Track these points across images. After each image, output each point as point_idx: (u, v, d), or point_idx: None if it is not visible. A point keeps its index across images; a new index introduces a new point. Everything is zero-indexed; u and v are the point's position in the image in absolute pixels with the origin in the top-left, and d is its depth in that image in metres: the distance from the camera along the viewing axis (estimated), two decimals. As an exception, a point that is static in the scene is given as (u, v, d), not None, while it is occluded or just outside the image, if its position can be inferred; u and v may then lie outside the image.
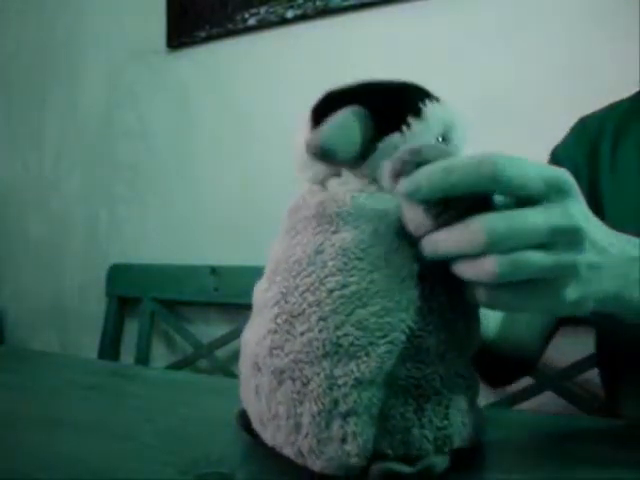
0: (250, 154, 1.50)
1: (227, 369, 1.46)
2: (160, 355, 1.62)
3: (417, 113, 0.41)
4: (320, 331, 0.38)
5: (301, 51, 1.43)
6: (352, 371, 0.37)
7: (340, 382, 0.37)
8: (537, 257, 0.35)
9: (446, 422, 0.40)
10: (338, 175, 0.43)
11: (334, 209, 0.40)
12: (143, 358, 1.56)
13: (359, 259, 0.38)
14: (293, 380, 0.39)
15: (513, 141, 1.14)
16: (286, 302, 0.40)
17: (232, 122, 1.53)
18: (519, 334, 0.73)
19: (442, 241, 0.37)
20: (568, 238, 0.37)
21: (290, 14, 1.41)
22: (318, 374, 0.38)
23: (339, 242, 0.39)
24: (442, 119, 0.42)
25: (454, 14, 1.25)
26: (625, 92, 0.79)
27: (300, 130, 0.44)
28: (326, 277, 0.38)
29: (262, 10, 1.45)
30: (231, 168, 1.53)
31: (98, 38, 1.74)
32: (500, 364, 0.74)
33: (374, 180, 0.42)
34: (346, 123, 0.40)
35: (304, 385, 0.38)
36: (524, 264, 0.35)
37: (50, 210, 1.83)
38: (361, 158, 0.41)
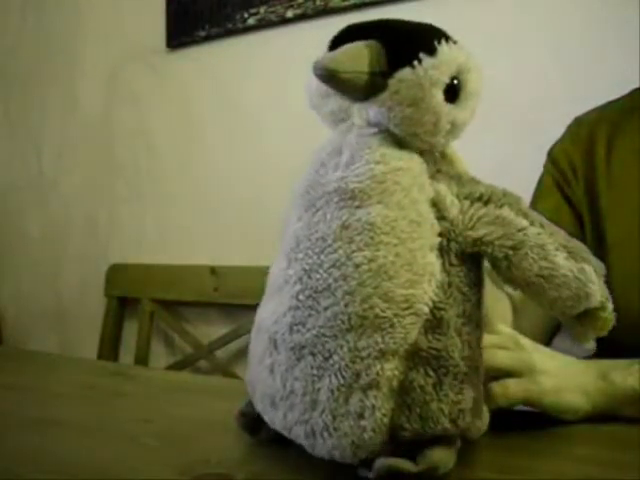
0: (250, 154, 1.50)
1: (227, 369, 1.46)
2: (160, 355, 1.62)
3: (431, 51, 0.40)
4: (346, 305, 0.39)
5: (301, 51, 1.43)
6: (376, 342, 0.38)
7: (363, 354, 0.38)
8: None
9: (460, 397, 0.40)
10: (346, 114, 0.43)
11: (355, 184, 0.40)
12: (142, 358, 1.55)
13: (385, 233, 0.39)
14: (314, 355, 0.39)
15: (512, 140, 1.14)
16: (309, 278, 0.40)
17: (232, 122, 1.53)
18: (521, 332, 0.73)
19: None
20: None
21: (290, 14, 1.41)
22: (341, 347, 0.39)
23: (364, 217, 0.39)
24: (456, 60, 0.42)
25: (454, 13, 1.25)
26: (625, 91, 0.80)
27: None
28: (353, 252, 0.39)
29: (262, 10, 1.45)
30: (231, 168, 1.53)
31: (98, 38, 1.74)
32: None
33: (381, 125, 0.41)
34: (356, 51, 0.40)
35: (325, 359, 0.39)
36: None
37: (50, 210, 1.83)
38: (371, 93, 0.40)
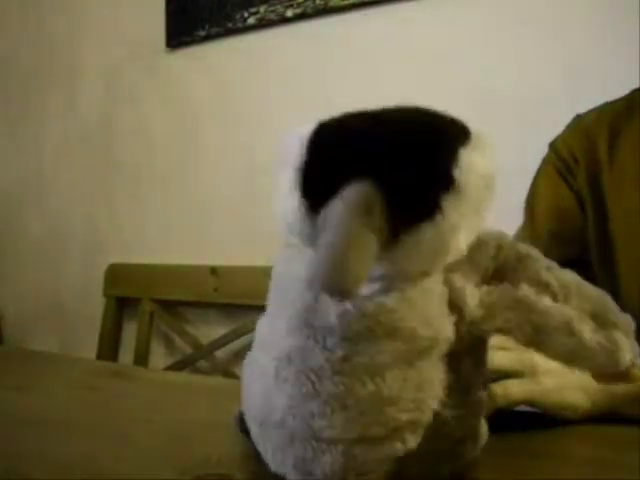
0: (250, 154, 1.50)
1: (227, 370, 1.46)
2: (159, 356, 1.62)
3: (451, 186, 0.31)
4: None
5: (301, 50, 1.43)
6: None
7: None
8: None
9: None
10: None
11: (362, 326, 0.34)
12: (142, 359, 1.55)
13: (390, 369, 0.35)
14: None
15: (513, 140, 1.14)
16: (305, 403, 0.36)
17: (232, 121, 1.53)
18: None
19: None
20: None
21: (290, 13, 1.41)
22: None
23: (370, 351, 0.35)
24: (481, 183, 0.33)
25: (455, 12, 1.25)
26: (625, 90, 0.80)
27: (281, 190, 0.37)
28: (354, 386, 0.35)
29: (262, 9, 1.45)
30: (231, 168, 1.53)
31: (98, 38, 1.74)
32: None
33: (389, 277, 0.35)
34: (360, 241, 0.29)
35: None
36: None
37: (49, 210, 1.83)
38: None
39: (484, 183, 0.33)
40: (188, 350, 1.54)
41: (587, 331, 0.37)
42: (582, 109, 0.82)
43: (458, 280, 0.36)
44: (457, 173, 0.32)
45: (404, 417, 0.35)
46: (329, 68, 1.37)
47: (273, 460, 0.38)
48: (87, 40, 1.76)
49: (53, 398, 0.68)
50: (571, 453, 0.48)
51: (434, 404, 0.36)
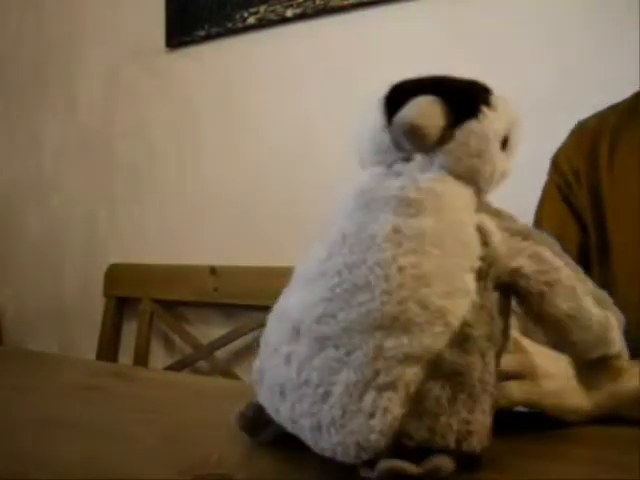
0: (250, 153, 1.50)
1: (227, 370, 1.46)
2: (159, 356, 1.61)
3: (491, 104, 0.43)
4: (382, 303, 0.39)
5: (301, 50, 1.43)
6: (402, 345, 0.39)
7: (388, 354, 0.39)
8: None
9: (471, 417, 0.40)
10: (407, 160, 0.44)
11: (415, 195, 0.42)
12: (142, 359, 1.55)
13: (433, 245, 0.41)
14: (337, 348, 0.40)
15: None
16: (350, 273, 0.41)
17: (232, 121, 1.53)
18: None
19: None
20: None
21: (290, 13, 1.41)
22: (367, 343, 0.39)
23: (417, 226, 0.41)
24: (510, 113, 0.45)
25: (454, 13, 1.25)
26: (626, 92, 0.80)
27: (367, 117, 0.46)
28: (399, 255, 0.40)
29: (261, 9, 1.45)
30: (231, 168, 1.53)
31: (97, 37, 1.74)
32: None
33: (444, 169, 0.43)
34: (430, 106, 0.42)
35: (348, 354, 0.39)
36: None
37: (50, 210, 1.83)
38: (439, 143, 0.43)
39: (512, 116, 0.44)
40: (188, 350, 1.54)
41: (589, 302, 0.43)
42: (584, 110, 0.82)
43: (486, 219, 0.43)
44: (492, 98, 0.43)
45: (438, 302, 0.39)
46: (329, 68, 1.37)
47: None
48: (87, 40, 1.76)
49: (53, 398, 0.68)
50: (571, 453, 0.48)
51: (463, 307, 0.40)
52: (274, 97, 1.45)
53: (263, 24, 1.46)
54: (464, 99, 0.43)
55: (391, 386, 0.38)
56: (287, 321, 0.44)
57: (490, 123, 0.43)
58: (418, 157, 0.44)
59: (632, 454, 0.46)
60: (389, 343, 0.39)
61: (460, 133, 0.42)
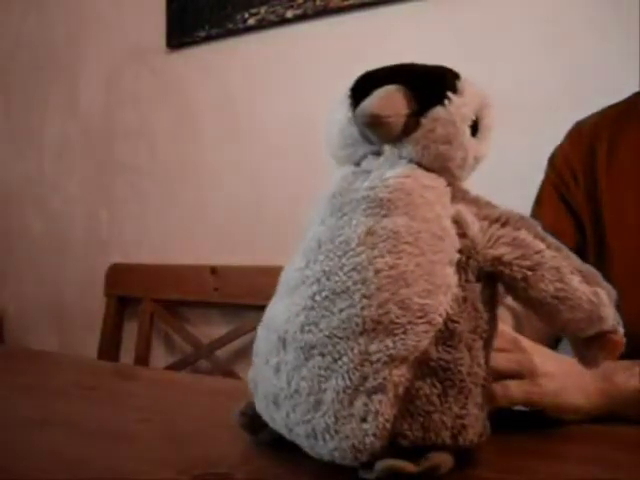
0: (250, 154, 1.50)
1: (227, 369, 1.46)
2: (160, 355, 1.62)
3: (457, 90, 0.42)
4: (362, 308, 0.39)
5: (301, 51, 1.43)
6: (387, 347, 0.39)
7: (374, 358, 0.39)
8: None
9: (464, 411, 0.40)
10: (377, 154, 0.44)
11: (385, 194, 0.42)
12: (143, 358, 1.55)
13: (408, 243, 0.40)
14: (323, 356, 0.40)
15: (514, 140, 1.14)
16: (328, 280, 0.41)
17: (232, 122, 1.53)
18: None
19: None
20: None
21: (290, 14, 1.41)
22: (352, 349, 0.39)
23: (390, 225, 0.41)
24: (478, 97, 0.44)
25: (455, 13, 1.25)
26: (626, 92, 0.80)
27: (336, 110, 0.46)
28: (375, 258, 0.40)
29: (262, 10, 1.45)
30: (231, 168, 1.53)
31: (98, 38, 1.74)
32: None
33: (413, 160, 0.43)
34: (392, 95, 0.41)
35: (334, 361, 0.39)
36: None
37: (50, 210, 1.83)
38: (405, 133, 0.42)
39: (480, 99, 0.44)
40: (188, 350, 1.55)
41: (575, 280, 0.42)
42: (583, 110, 0.82)
43: (463, 208, 0.42)
44: (458, 83, 0.43)
45: (419, 301, 0.39)
46: (329, 69, 1.37)
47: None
48: (88, 40, 1.76)
49: (53, 398, 0.68)
50: (571, 453, 0.48)
51: (445, 303, 0.40)
52: (274, 98, 1.45)
53: (263, 25, 1.46)
54: (429, 86, 0.43)
55: (380, 389, 0.38)
56: (273, 331, 0.44)
57: (457, 108, 0.42)
58: (387, 149, 0.43)
59: (631, 453, 0.46)
60: (374, 347, 0.39)
61: (426, 121, 0.41)
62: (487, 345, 0.43)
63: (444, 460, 0.40)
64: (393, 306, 0.39)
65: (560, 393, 0.52)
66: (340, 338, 0.39)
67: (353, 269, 0.40)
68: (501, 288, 0.44)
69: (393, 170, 0.42)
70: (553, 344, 0.76)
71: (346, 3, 1.34)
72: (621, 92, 0.80)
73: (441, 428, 0.39)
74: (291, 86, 1.43)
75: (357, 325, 0.39)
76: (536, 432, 0.52)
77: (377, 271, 0.40)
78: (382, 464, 0.38)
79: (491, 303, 0.43)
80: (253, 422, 0.47)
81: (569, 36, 1.15)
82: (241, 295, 1.40)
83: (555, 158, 0.81)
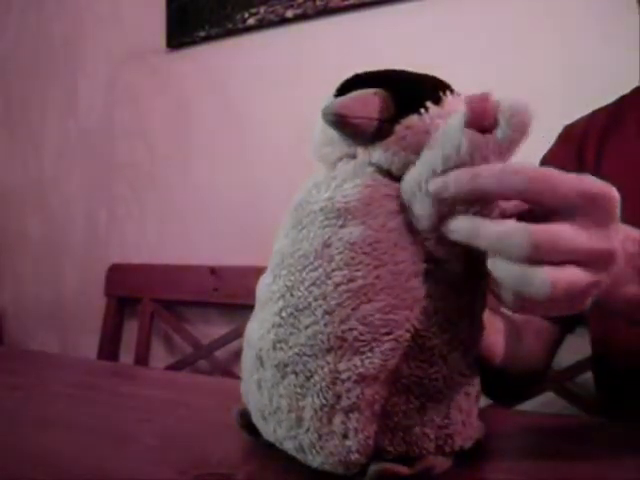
0: (250, 154, 1.50)
1: (227, 369, 1.46)
2: (159, 355, 1.62)
3: (436, 100, 0.41)
4: (325, 325, 0.38)
5: (301, 51, 1.43)
6: (356, 366, 0.37)
7: (344, 377, 0.38)
8: (582, 276, 0.35)
9: (447, 421, 0.40)
10: (353, 157, 0.43)
11: (342, 204, 0.40)
12: (142, 358, 1.55)
13: (366, 254, 0.38)
14: (296, 374, 0.39)
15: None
16: (292, 295, 0.40)
17: (232, 122, 1.53)
18: (528, 350, 0.73)
19: (483, 236, 0.36)
20: (603, 260, 0.37)
21: (290, 14, 1.41)
22: (322, 368, 0.38)
23: (347, 236, 0.39)
24: (456, 110, 0.42)
25: (455, 13, 1.25)
26: (624, 92, 0.79)
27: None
28: (333, 271, 0.39)
29: (262, 10, 1.45)
30: (231, 168, 1.53)
31: (98, 38, 1.74)
32: (510, 383, 0.73)
33: (383, 167, 0.41)
34: (365, 97, 0.40)
35: (307, 379, 0.39)
36: (575, 287, 0.35)
37: (50, 210, 1.83)
38: (378, 138, 0.41)
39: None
40: (188, 350, 1.54)
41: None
42: (579, 110, 0.82)
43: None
44: (441, 94, 0.41)
45: (382, 317, 0.37)
46: (329, 69, 1.37)
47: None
48: (87, 40, 1.76)
49: (53, 398, 0.68)
50: (571, 453, 0.48)
51: (412, 318, 0.38)
52: (274, 98, 1.45)
53: (263, 25, 1.46)
54: (410, 93, 0.41)
55: (355, 408, 0.37)
56: (252, 348, 0.43)
57: (432, 119, 0.40)
58: (359, 152, 0.42)
59: (632, 453, 0.46)
60: (342, 366, 0.38)
61: (399, 127, 0.40)
62: (468, 351, 0.41)
63: (439, 462, 0.40)
64: (355, 322, 0.37)
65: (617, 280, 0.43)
66: (309, 356, 0.38)
67: (313, 284, 0.39)
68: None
69: (352, 180, 0.41)
70: (553, 346, 0.76)
71: (346, 3, 1.34)
72: (621, 92, 0.80)
73: (424, 440, 0.39)
74: (291, 86, 1.43)
75: (323, 342, 0.38)
76: (535, 432, 0.52)
77: (336, 285, 0.38)
78: (375, 467, 0.38)
79: (471, 309, 0.41)
80: (253, 422, 0.47)
81: (569, 36, 1.15)
82: (240, 295, 1.39)
83: (546, 160, 0.81)
